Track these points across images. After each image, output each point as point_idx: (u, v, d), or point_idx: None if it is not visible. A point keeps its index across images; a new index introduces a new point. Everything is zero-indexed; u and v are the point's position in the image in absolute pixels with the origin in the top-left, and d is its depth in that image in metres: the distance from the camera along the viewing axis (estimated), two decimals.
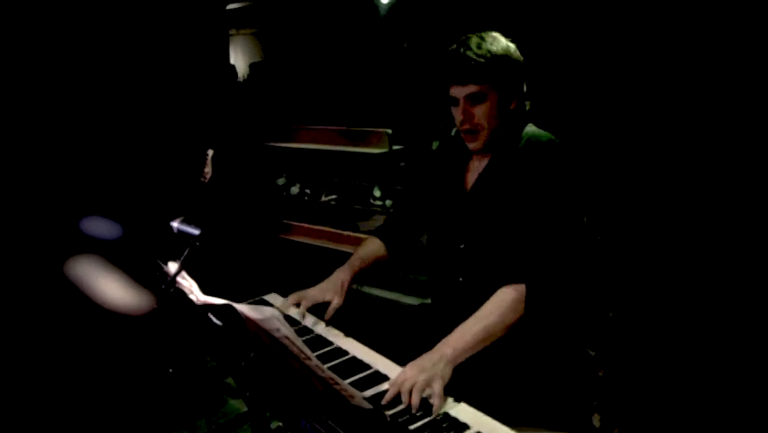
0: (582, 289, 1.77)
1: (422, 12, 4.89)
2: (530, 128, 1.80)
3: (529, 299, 1.60)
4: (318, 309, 2.00)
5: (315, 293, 1.88)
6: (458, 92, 1.72)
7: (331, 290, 1.87)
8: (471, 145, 1.77)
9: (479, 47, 1.68)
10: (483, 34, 1.72)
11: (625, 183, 3.02)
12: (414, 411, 1.40)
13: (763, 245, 2.61)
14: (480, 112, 1.71)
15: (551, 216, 1.65)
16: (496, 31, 1.77)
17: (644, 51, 2.97)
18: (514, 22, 3.42)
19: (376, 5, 5.15)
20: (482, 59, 1.67)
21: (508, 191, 1.71)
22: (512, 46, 1.74)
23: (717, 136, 2.76)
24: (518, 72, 1.74)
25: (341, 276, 1.91)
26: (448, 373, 1.48)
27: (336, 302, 1.84)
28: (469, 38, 1.71)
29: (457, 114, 1.75)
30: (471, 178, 1.84)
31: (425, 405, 1.43)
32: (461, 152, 1.85)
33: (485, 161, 1.81)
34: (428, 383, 1.43)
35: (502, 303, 1.60)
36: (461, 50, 1.69)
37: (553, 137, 1.75)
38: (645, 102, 2.99)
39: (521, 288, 1.61)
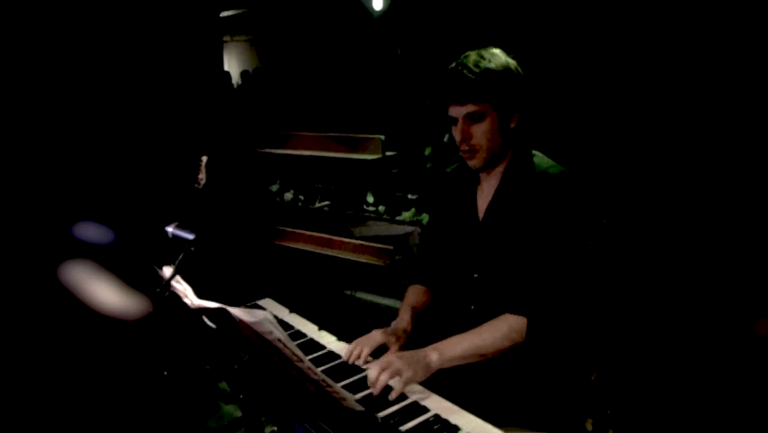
0: (581, 303, 1.77)
1: (415, 18, 4.93)
2: (538, 157, 1.77)
3: (530, 333, 1.62)
4: (314, 314, 2.01)
5: (379, 337, 1.75)
6: (457, 112, 1.69)
7: (393, 336, 1.76)
8: (470, 163, 1.75)
9: (477, 65, 1.65)
10: (482, 51, 1.69)
11: (618, 187, 3.04)
12: (377, 392, 1.48)
13: (743, 249, 2.64)
14: (478, 131, 1.69)
15: (558, 253, 1.64)
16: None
17: (626, 53, 3.01)
18: (509, 28, 3.46)
19: (369, 12, 5.18)
20: (481, 78, 1.64)
21: (520, 223, 1.70)
22: (512, 62, 1.70)
23: (706, 140, 2.80)
24: (519, 89, 1.70)
25: (402, 325, 1.82)
26: (422, 373, 1.55)
27: (395, 349, 1.72)
28: (467, 56, 1.68)
29: (456, 133, 1.73)
30: (483, 203, 1.82)
31: (418, 408, 1.45)
32: (470, 174, 1.84)
33: (494, 184, 1.79)
34: (399, 371, 1.51)
35: (499, 329, 1.64)
36: (459, 68, 1.66)
37: (564, 169, 1.72)
38: (640, 106, 3.03)
39: (522, 320, 1.63)
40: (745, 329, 2.63)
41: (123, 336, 3.25)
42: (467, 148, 1.71)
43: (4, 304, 3.31)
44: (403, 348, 1.71)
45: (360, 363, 1.68)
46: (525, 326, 1.62)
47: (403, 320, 1.84)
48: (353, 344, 1.73)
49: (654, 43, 2.97)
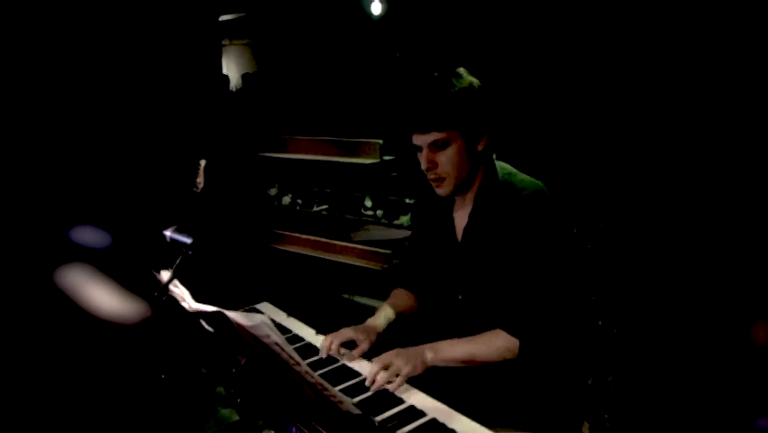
0: (574, 313, 1.74)
1: (414, 22, 4.94)
2: (512, 174, 1.72)
3: (522, 354, 1.62)
4: (312, 318, 2.01)
5: (348, 332, 1.75)
6: (420, 140, 1.62)
7: (363, 333, 1.75)
8: (439, 191, 1.68)
9: (439, 91, 1.57)
10: (444, 75, 1.61)
11: (612, 190, 3.05)
12: (374, 386, 1.51)
13: (739, 253, 2.65)
14: (444, 159, 1.62)
15: (540, 272, 1.61)
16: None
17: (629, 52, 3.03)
18: (508, 30, 3.46)
19: (368, 16, 5.18)
20: (443, 105, 1.57)
21: (500, 242, 1.66)
22: (476, 82, 1.62)
23: (705, 142, 2.81)
24: (483, 112, 1.63)
25: (375, 323, 1.81)
26: (420, 367, 1.56)
27: (365, 346, 1.72)
28: (428, 81, 1.61)
29: (422, 161, 1.65)
30: (460, 223, 1.77)
31: (414, 412, 1.45)
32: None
33: (468, 205, 1.75)
34: (399, 370, 1.52)
35: (493, 343, 1.64)
36: (421, 95, 1.59)
37: (540, 185, 1.67)
38: (637, 108, 3.04)
39: (516, 340, 1.62)
40: (742, 333, 2.63)
41: (121, 339, 3.25)
42: (434, 177, 1.65)
43: (2, 307, 3.30)
44: (375, 349, 1.72)
45: (332, 353, 1.69)
46: (517, 346, 1.62)
47: (378, 318, 1.82)
48: (326, 339, 1.73)
49: (655, 42, 2.98)
